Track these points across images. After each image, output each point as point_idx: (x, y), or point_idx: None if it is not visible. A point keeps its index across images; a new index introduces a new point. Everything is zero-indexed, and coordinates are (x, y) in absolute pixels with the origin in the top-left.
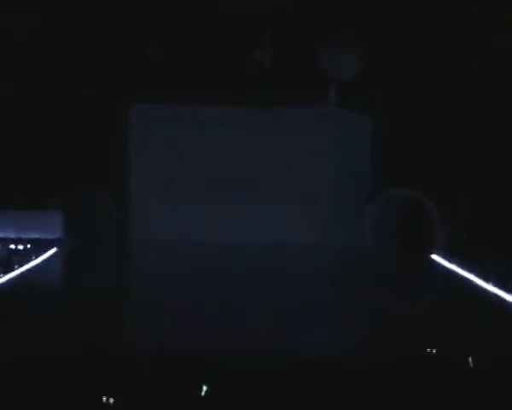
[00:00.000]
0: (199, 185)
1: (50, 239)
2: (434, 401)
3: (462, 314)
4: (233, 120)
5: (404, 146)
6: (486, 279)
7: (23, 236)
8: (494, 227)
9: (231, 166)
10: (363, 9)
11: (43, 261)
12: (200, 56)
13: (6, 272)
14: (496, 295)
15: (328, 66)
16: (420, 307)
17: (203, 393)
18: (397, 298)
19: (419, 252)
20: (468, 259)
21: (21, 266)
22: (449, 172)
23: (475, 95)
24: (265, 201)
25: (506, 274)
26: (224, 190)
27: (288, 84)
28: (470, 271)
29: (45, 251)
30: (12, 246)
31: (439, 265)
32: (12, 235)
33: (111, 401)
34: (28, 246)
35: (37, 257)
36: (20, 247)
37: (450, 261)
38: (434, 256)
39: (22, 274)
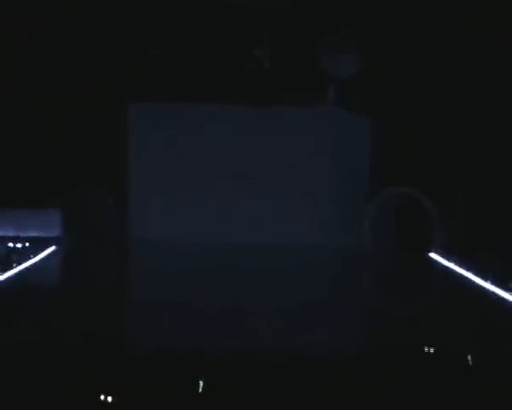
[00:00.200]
0: (198, 184)
1: (49, 238)
2: (434, 400)
3: (461, 313)
4: (232, 120)
5: (403, 145)
6: (485, 278)
7: (21, 234)
8: (493, 226)
9: (230, 165)
10: (361, 9)
11: (42, 260)
12: (199, 55)
13: (4, 271)
14: (494, 294)
15: (326, 65)
16: (419, 305)
17: (203, 393)
18: (396, 297)
19: (418, 251)
20: (466, 257)
21: (20, 264)
22: (447, 171)
23: (474, 94)
24: (264, 200)
25: (504, 273)
26: (223, 189)
27: (287, 83)
28: (469, 269)
29: (44, 249)
30: (10, 244)
31: (437, 263)
32: (10, 233)
33: (109, 399)
34: (27, 244)
35: (35, 255)
36: (19, 245)
37: (448, 260)
38: (433, 255)
39: (20, 272)
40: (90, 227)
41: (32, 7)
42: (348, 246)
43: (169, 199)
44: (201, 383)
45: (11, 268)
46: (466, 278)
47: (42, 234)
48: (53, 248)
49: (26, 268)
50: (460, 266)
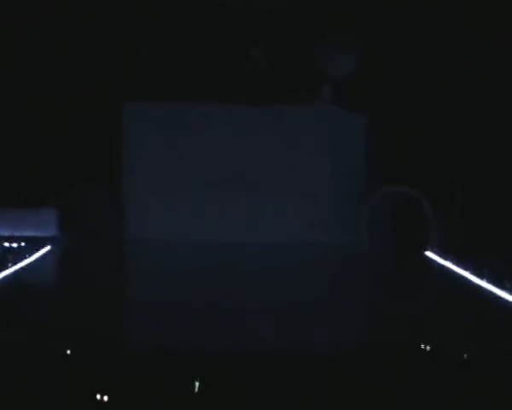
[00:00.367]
0: (197, 184)
1: (45, 237)
2: (431, 399)
3: (458, 312)
4: (230, 119)
5: (400, 144)
6: (482, 277)
7: (17, 234)
8: (490, 224)
9: (228, 164)
10: (359, 8)
11: (38, 260)
12: (197, 55)
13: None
14: (491, 293)
15: (324, 64)
16: (415, 304)
17: (202, 393)
18: (393, 296)
19: (415, 249)
20: (463, 256)
21: (15, 264)
22: (444, 170)
23: (472, 94)
24: (262, 199)
25: (501, 271)
26: (221, 188)
27: (284, 82)
28: (466, 268)
29: (39, 249)
30: (6, 244)
31: (434, 262)
32: (5, 233)
33: (105, 399)
34: (22, 244)
35: (31, 255)
36: (14, 245)
37: (445, 259)
38: (430, 254)
39: (16, 272)
40: (88, 227)
41: (26, 7)
42: (345, 245)
43: (167, 199)
44: (197, 383)
45: (6, 268)
46: (463, 277)
47: (38, 234)
48: (49, 247)
49: (22, 268)
50: (457, 264)
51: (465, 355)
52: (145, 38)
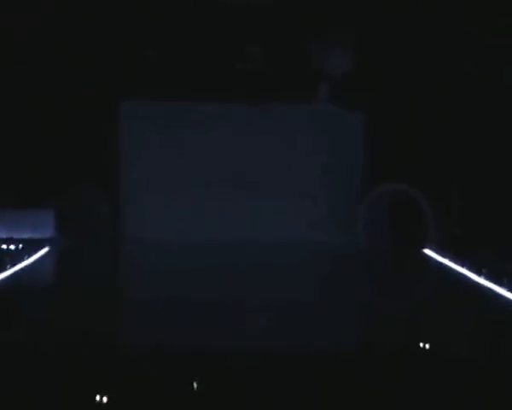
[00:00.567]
0: (195, 183)
1: (43, 239)
2: (429, 398)
3: (457, 310)
4: (227, 118)
5: (398, 143)
6: (479, 274)
7: (15, 236)
8: (488, 223)
9: (227, 163)
10: (355, 6)
11: (36, 261)
12: (194, 54)
13: None
14: (489, 290)
15: (320, 63)
16: (413, 303)
17: (201, 392)
18: (390, 294)
19: (412, 247)
20: (461, 254)
21: (13, 266)
22: (442, 169)
23: (469, 92)
24: (261, 199)
25: (499, 269)
26: (218, 187)
27: (281, 81)
28: (463, 265)
29: (37, 251)
30: (4, 246)
31: (432, 260)
32: (3, 235)
33: (104, 399)
34: (20, 246)
35: (29, 257)
36: (12, 247)
37: (443, 256)
38: (427, 251)
39: (14, 274)
40: (86, 227)
41: (22, 7)
42: (343, 244)
43: (167, 198)
44: (197, 383)
45: (5, 270)
46: (461, 275)
47: (36, 235)
48: (47, 249)
49: (21, 269)
50: (455, 262)
51: (463, 354)
52: (144, 38)
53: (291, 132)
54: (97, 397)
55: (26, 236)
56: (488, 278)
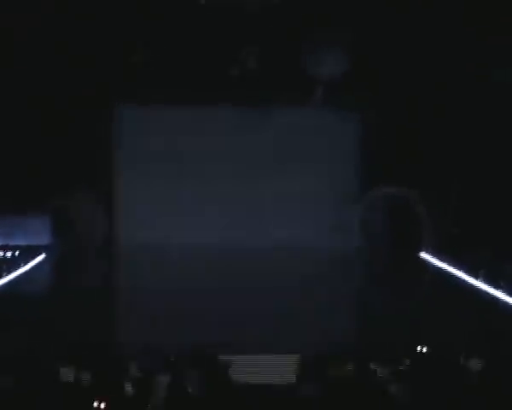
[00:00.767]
0: (191, 187)
1: (39, 245)
2: (427, 399)
3: (453, 312)
4: (225, 122)
5: (394, 145)
6: (476, 277)
7: (11, 243)
8: (484, 226)
9: (222, 167)
10: (350, 9)
11: (32, 268)
12: (188, 59)
13: None
14: (485, 292)
15: (316, 66)
16: (411, 305)
17: (201, 395)
18: (388, 296)
19: (409, 250)
20: (457, 257)
21: (10, 273)
22: (439, 172)
23: (464, 93)
24: (257, 202)
25: (495, 272)
26: (214, 191)
27: (278, 84)
28: (460, 268)
29: (34, 258)
30: (0, 253)
31: (428, 263)
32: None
33: (102, 406)
34: (17, 253)
35: (26, 264)
36: (9, 254)
37: (439, 259)
38: (424, 254)
39: (11, 281)
40: (82, 234)
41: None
42: (339, 246)
43: (162, 203)
44: (196, 385)
45: (1, 277)
46: (457, 277)
47: (32, 242)
48: (44, 255)
49: (17, 277)
50: (451, 265)
51: (461, 355)
52: (141, 42)
53: (288, 135)
54: (93, 403)
55: (22, 243)
56: (485, 280)
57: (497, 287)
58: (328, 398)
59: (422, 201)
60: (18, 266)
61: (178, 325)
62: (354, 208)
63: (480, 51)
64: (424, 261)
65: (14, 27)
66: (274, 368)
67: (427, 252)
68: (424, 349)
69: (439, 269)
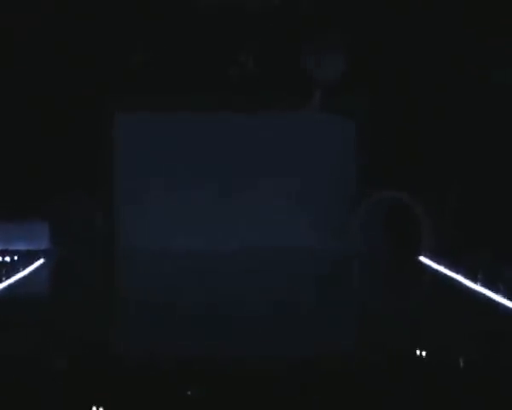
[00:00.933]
0: (189, 192)
1: (37, 250)
2: (426, 401)
3: (451, 315)
4: (221, 126)
5: (391, 148)
6: (474, 280)
7: (10, 247)
8: (483, 229)
9: (220, 172)
10: (348, 11)
11: (31, 273)
12: (186, 64)
13: None
14: (484, 296)
15: (312, 69)
16: (409, 308)
17: (199, 398)
18: (386, 300)
19: (407, 254)
20: (456, 260)
21: (9, 277)
22: (437, 174)
23: (462, 96)
24: (257, 206)
25: (494, 275)
26: (211, 196)
27: (273, 88)
28: (458, 272)
29: (33, 262)
30: None
31: (427, 266)
32: None
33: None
34: (16, 257)
35: (24, 268)
36: (7, 258)
37: (438, 263)
38: (422, 258)
39: (10, 286)
40: (81, 238)
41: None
42: (337, 249)
43: (160, 207)
44: (194, 390)
45: (0, 282)
46: (456, 281)
47: (31, 247)
48: (42, 260)
49: (16, 281)
50: (450, 268)
51: (459, 358)
52: (138, 47)
53: (287, 139)
54: (91, 408)
55: (21, 247)
56: (483, 284)
57: (496, 290)
58: (328, 398)
59: (421, 204)
60: (17, 271)
61: (178, 325)
62: (353, 211)
63: (481, 53)
64: (423, 264)
65: (14, 27)
66: (273, 368)
67: (426, 254)
68: (423, 351)
69: (438, 273)
